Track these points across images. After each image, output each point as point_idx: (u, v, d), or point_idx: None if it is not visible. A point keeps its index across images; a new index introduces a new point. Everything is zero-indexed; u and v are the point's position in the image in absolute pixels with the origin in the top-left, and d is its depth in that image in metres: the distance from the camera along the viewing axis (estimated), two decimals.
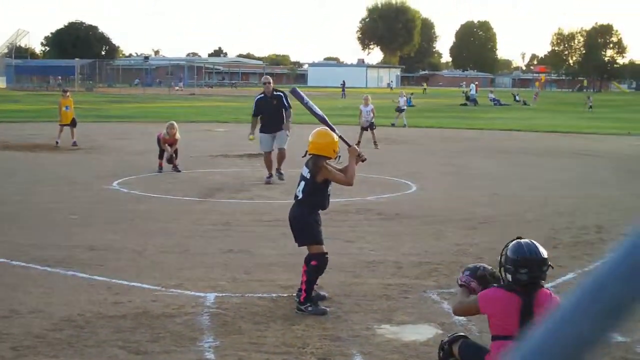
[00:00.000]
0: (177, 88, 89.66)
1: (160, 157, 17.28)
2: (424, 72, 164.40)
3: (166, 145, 17.17)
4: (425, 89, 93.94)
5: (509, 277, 5.03)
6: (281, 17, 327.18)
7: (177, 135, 17.33)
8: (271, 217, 11.91)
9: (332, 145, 7.43)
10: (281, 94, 15.83)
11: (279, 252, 9.50)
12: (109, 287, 7.86)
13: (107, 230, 10.91)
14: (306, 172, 7.42)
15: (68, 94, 24.77)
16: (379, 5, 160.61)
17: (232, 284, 8.10)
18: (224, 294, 7.68)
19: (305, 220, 7.42)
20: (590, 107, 56.19)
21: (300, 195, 7.42)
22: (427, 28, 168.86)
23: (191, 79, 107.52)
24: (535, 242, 5.10)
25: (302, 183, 7.42)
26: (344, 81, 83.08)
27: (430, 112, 48.24)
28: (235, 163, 19.38)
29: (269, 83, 15.94)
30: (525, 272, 4.94)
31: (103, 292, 7.70)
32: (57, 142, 22.86)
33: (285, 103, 15.75)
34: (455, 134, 31.38)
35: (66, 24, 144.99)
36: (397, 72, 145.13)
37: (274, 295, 7.72)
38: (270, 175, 15.65)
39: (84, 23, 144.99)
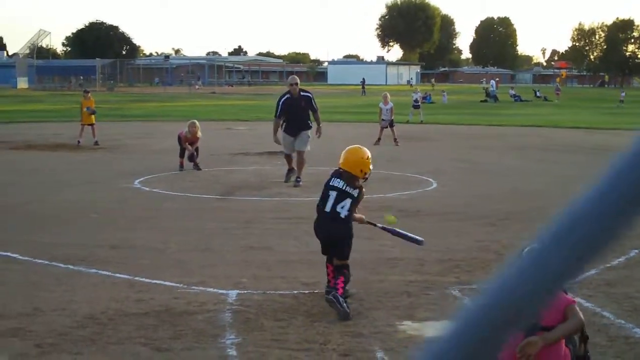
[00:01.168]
0: (197, 87, 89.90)
1: (181, 155, 17.35)
2: (443, 69, 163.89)
3: (187, 144, 17.24)
4: (433, 85, 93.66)
5: None
6: (300, 15, 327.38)
7: (199, 134, 17.42)
8: (292, 214, 11.94)
9: (361, 164, 7.39)
10: (309, 94, 15.60)
11: (300, 249, 9.53)
12: (131, 285, 7.90)
13: (129, 228, 10.98)
14: (348, 188, 7.29)
15: (89, 94, 24.87)
16: (399, 2, 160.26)
17: (254, 281, 8.12)
18: (245, 291, 7.70)
19: (351, 237, 7.35)
20: (621, 101, 55.76)
21: (343, 213, 7.24)
22: (447, 24, 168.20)
23: (211, 77, 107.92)
24: None
25: (348, 201, 7.26)
26: (363, 79, 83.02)
27: (450, 109, 48.11)
28: (256, 161, 19.41)
29: (296, 84, 15.49)
30: None
31: (125, 289, 7.74)
32: (78, 142, 23.03)
33: (314, 105, 15.51)
34: (475, 130, 31.26)
35: (87, 24, 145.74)
36: (417, 69, 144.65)
37: (295, 292, 7.73)
38: (300, 178, 15.22)
39: (105, 23, 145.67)
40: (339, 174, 7.40)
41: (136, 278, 8.13)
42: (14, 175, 16.62)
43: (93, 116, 23.85)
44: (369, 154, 7.52)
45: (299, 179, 15.16)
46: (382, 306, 7.30)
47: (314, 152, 16.00)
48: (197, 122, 17.77)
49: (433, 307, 7.30)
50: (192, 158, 17.27)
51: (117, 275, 8.28)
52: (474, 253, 9.45)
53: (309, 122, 15.50)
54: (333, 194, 7.28)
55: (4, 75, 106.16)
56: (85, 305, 7.17)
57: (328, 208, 7.27)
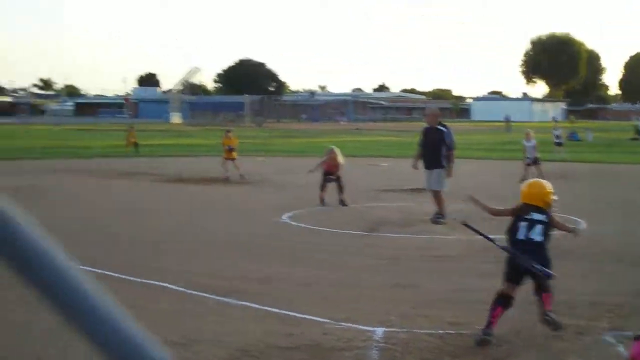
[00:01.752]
0: (342, 123, 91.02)
1: (322, 188, 17.62)
2: (591, 106, 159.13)
3: (328, 176, 17.61)
4: (572, 122, 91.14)
5: None
6: (444, 52, 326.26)
7: (339, 160, 17.76)
8: (438, 252, 11.89)
9: (545, 196, 7.82)
10: (444, 129, 15.03)
11: (447, 287, 9.47)
12: (281, 319, 8.07)
13: (278, 262, 11.23)
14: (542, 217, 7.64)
15: (230, 134, 25.70)
16: (543, 38, 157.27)
17: (400, 318, 8.11)
18: (392, 329, 7.71)
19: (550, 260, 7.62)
20: None
21: (540, 239, 7.57)
22: (593, 60, 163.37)
23: (356, 113, 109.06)
24: None
25: (539, 227, 7.59)
26: (508, 115, 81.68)
27: (596, 147, 46.57)
28: (400, 197, 19.44)
29: (431, 115, 15.41)
30: None
31: (275, 323, 7.91)
32: (227, 177, 23.80)
33: (446, 140, 14.94)
34: (624, 169, 30.13)
35: (236, 62, 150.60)
36: (563, 105, 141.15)
37: (441, 331, 7.67)
38: (440, 215, 14.85)
39: (253, 60, 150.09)
40: (535, 208, 7.67)
41: (286, 312, 8.29)
42: (167, 207, 17.35)
43: (234, 152, 24.71)
44: (550, 186, 7.95)
45: (438, 216, 14.90)
46: (532, 349, 7.15)
47: (458, 189, 15.82)
48: (335, 148, 18.15)
49: (586, 353, 7.08)
50: (340, 189, 17.56)
51: (267, 308, 8.47)
52: (629, 298, 9.11)
53: (442, 159, 14.96)
54: (539, 227, 7.60)
55: (158, 111, 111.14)
56: (237, 338, 7.37)
57: (537, 238, 7.57)
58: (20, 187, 20.91)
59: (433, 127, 15.13)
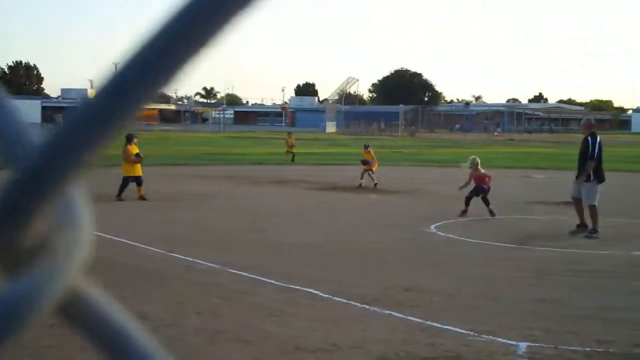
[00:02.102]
0: (495, 134, 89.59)
1: (467, 202, 17.48)
2: None
3: (479, 188, 17.42)
4: None
5: None
6: (604, 61, 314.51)
7: (482, 170, 17.61)
8: (587, 267, 11.59)
9: None
10: (589, 138, 15.06)
11: (595, 304, 9.24)
12: (423, 328, 8.13)
13: (423, 271, 11.29)
14: None
15: (369, 148, 25.96)
16: None
17: (545, 334, 8.00)
18: (536, 344, 7.62)
19: None
20: None
21: None
22: None
23: (510, 124, 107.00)
24: None
25: None
26: None
27: None
28: (552, 210, 18.99)
29: (582, 125, 15.62)
30: None
31: (418, 333, 7.98)
32: (375, 184, 24.21)
33: (589, 149, 14.99)
34: None
35: (392, 72, 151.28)
36: None
37: (588, 349, 7.51)
38: (592, 230, 14.76)
39: (409, 70, 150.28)
40: None
41: (428, 322, 8.35)
42: (320, 215, 17.72)
43: (368, 165, 25.20)
44: None
45: (592, 231, 14.66)
46: None
47: (611, 203, 15.39)
48: (475, 158, 18.03)
49: None
50: (485, 202, 17.39)
51: (410, 318, 8.55)
52: None
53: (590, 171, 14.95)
54: None
55: (315, 120, 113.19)
56: (379, 346, 7.50)
57: None
58: (185, 192, 21.93)
59: (585, 137, 15.17)
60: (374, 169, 24.87)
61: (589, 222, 14.89)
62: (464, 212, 17.41)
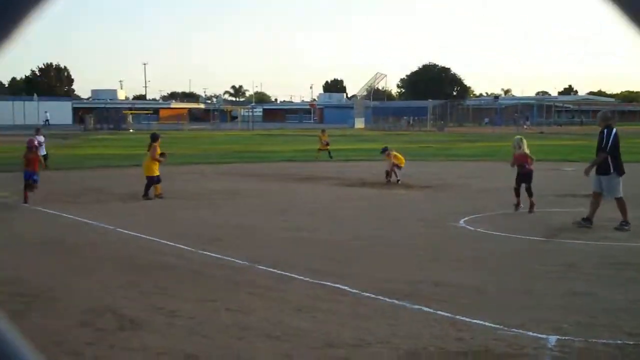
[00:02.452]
0: (525, 127, 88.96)
1: (517, 193, 17.05)
2: None
3: (521, 173, 17.05)
4: None
5: None
6: (634, 51, 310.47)
7: (526, 151, 17.34)
8: (618, 260, 11.50)
9: None
10: (604, 130, 15.02)
11: (627, 297, 9.17)
12: (452, 323, 8.11)
13: (452, 266, 11.26)
14: None
15: (387, 152, 25.86)
16: None
17: (575, 327, 7.95)
18: (566, 337, 7.57)
19: None
20: None
21: None
22: None
23: (540, 117, 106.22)
24: None
25: None
26: None
27: None
28: (582, 203, 18.74)
29: (598, 117, 15.69)
30: None
31: (447, 327, 7.97)
32: (397, 180, 24.19)
33: (604, 141, 14.93)
34: None
35: (420, 67, 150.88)
36: None
37: (619, 341, 7.46)
38: (625, 222, 14.58)
39: (438, 65, 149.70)
40: None
41: (457, 316, 8.33)
42: (349, 211, 17.74)
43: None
44: None
45: (623, 223, 14.53)
46: None
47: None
48: (522, 138, 17.80)
49: None
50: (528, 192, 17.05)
51: (440, 312, 8.54)
52: None
53: (608, 164, 14.84)
54: None
55: (343, 116, 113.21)
56: (408, 340, 7.50)
57: None
58: (214, 190, 22.05)
59: (601, 130, 15.15)
60: (401, 165, 24.77)
61: (625, 216, 14.67)
62: (517, 206, 17.10)
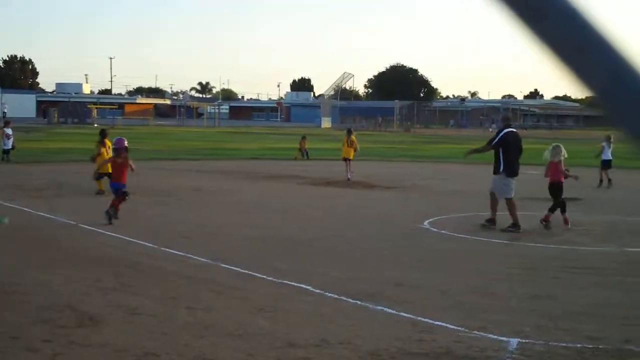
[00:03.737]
0: (490, 129, 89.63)
1: (560, 207, 15.47)
2: None
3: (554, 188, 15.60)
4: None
5: None
6: None
7: (562, 163, 15.43)
8: (579, 263, 11.61)
9: None
10: (503, 128, 15.38)
11: (588, 301, 9.24)
12: (414, 324, 8.12)
13: (415, 267, 11.28)
14: None
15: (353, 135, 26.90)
16: None
17: (536, 330, 7.99)
18: (527, 340, 7.61)
19: None
20: None
21: None
22: None
23: None
24: None
25: None
26: None
27: None
28: (546, 207, 18.88)
29: (500, 119, 16.41)
30: None
31: (408, 328, 7.97)
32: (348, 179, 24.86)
33: (496, 136, 15.32)
34: None
35: (388, 67, 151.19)
36: None
37: (579, 345, 7.51)
38: (512, 225, 14.70)
39: (405, 66, 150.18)
40: None
41: (419, 318, 8.34)
42: (314, 211, 17.71)
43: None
44: None
45: (510, 227, 14.74)
46: None
47: (604, 200, 15.30)
48: (561, 146, 15.55)
49: None
50: None
51: (402, 313, 8.54)
52: None
53: (499, 163, 15.05)
54: None
55: (310, 115, 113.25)
56: (369, 341, 7.49)
57: None
58: (180, 187, 21.90)
59: (500, 129, 15.50)
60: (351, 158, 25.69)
61: (514, 217, 14.85)
62: (547, 223, 15.34)
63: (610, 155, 24.18)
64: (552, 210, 15.35)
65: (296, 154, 36.93)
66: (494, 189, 15.21)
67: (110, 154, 20.04)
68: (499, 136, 15.17)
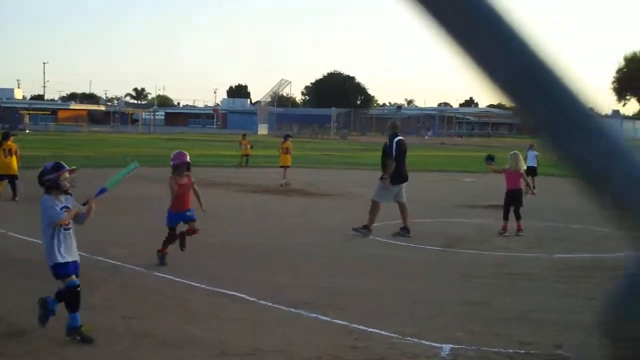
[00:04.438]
0: (426, 137, 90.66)
1: (506, 216, 15.71)
2: None
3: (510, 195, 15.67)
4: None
5: None
6: None
7: (521, 170, 15.85)
8: (512, 269, 11.80)
9: None
10: (393, 139, 15.53)
11: (519, 306, 9.39)
12: (348, 331, 8.14)
13: (351, 274, 11.32)
14: None
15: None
16: (638, 55, 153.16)
17: (469, 335, 8.09)
18: (460, 346, 7.70)
19: None
20: None
21: None
22: None
23: (441, 128, 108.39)
24: None
25: None
26: None
27: None
28: (480, 213, 19.26)
29: (388, 127, 16.16)
30: None
31: (342, 336, 7.99)
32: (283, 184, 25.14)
33: (387, 150, 15.48)
34: None
35: (325, 74, 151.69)
36: None
37: (510, 350, 7.63)
38: (364, 227, 15.11)
39: (342, 73, 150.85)
40: None
41: (354, 325, 8.37)
42: (250, 218, 17.65)
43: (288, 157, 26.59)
44: None
45: (361, 228, 15.08)
46: None
47: (537, 207, 15.53)
48: (518, 154, 15.92)
49: None
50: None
51: (336, 321, 8.56)
52: None
53: (385, 170, 15.40)
54: None
55: (247, 122, 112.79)
56: (302, 349, 7.49)
57: None
58: (116, 194, 21.55)
59: (389, 138, 15.65)
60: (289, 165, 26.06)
61: (370, 219, 15.15)
62: (504, 230, 15.50)
63: (534, 162, 24.46)
64: (519, 217, 15.53)
65: (240, 160, 36.60)
66: (375, 194, 15.42)
67: (6, 157, 19.50)
68: (394, 146, 15.35)
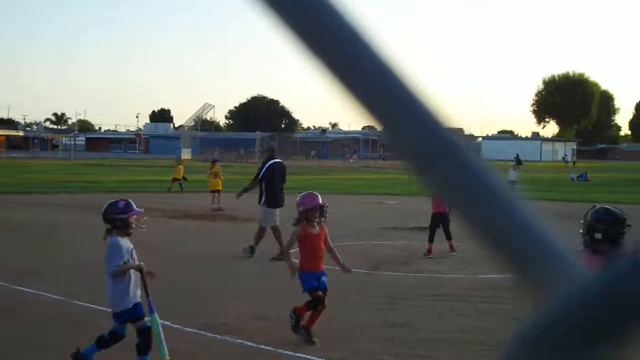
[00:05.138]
0: (351, 160, 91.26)
1: (431, 238, 15.80)
2: (601, 146, 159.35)
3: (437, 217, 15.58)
4: (573, 163, 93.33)
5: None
6: (447, 89, 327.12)
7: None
8: (438, 291, 11.87)
9: None
10: (267, 159, 15.82)
11: (445, 327, 9.44)
12: (274, 357, 8.06)
13: (274, 299, 11.16)
14: None
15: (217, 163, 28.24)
16: (556, 78, 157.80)
17: (395, 358, 8.08)
18: None
19: None
20: None
21: None
22: (607, 100, 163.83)
23: (366, 151, 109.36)
24: None
25: None
26: (517, 154, 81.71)
27: (606, 187, 46.52)
28: (405, 235, 19.38)
29: (264, 148, 16.48)
30: None
31: None
32: (220, 208, 25.29)
33: (260, 170, 15.69)
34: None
35: (249, 98, 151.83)
36: (573, 145, 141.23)
37: None
38: (249, 248, 15.37)
39: (266, 97, 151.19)
40: None
41: (279, 350, 8.28)
42: (171, 244, 17.37)
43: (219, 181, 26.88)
44: None
45: (247, 249, 15.33)
46: None
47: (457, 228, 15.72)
48: None
49: None
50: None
51: (262, 346, 8.45)
52: None
53: (262, 194, 15.51)
54: None
55: (170, 147, 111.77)
56: None
57: None
58: (33, 221, 21.01)
59: (264, 160, 15.95)
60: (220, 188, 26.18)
61: (255, 242, 15.33)
62: (429, 252, 15.64)
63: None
64: (449, 237, 15.54)
65: (173, 175, 36.29)
66: (261, 220, 15.46)
67: None
68: (264, 168, 15.49)
